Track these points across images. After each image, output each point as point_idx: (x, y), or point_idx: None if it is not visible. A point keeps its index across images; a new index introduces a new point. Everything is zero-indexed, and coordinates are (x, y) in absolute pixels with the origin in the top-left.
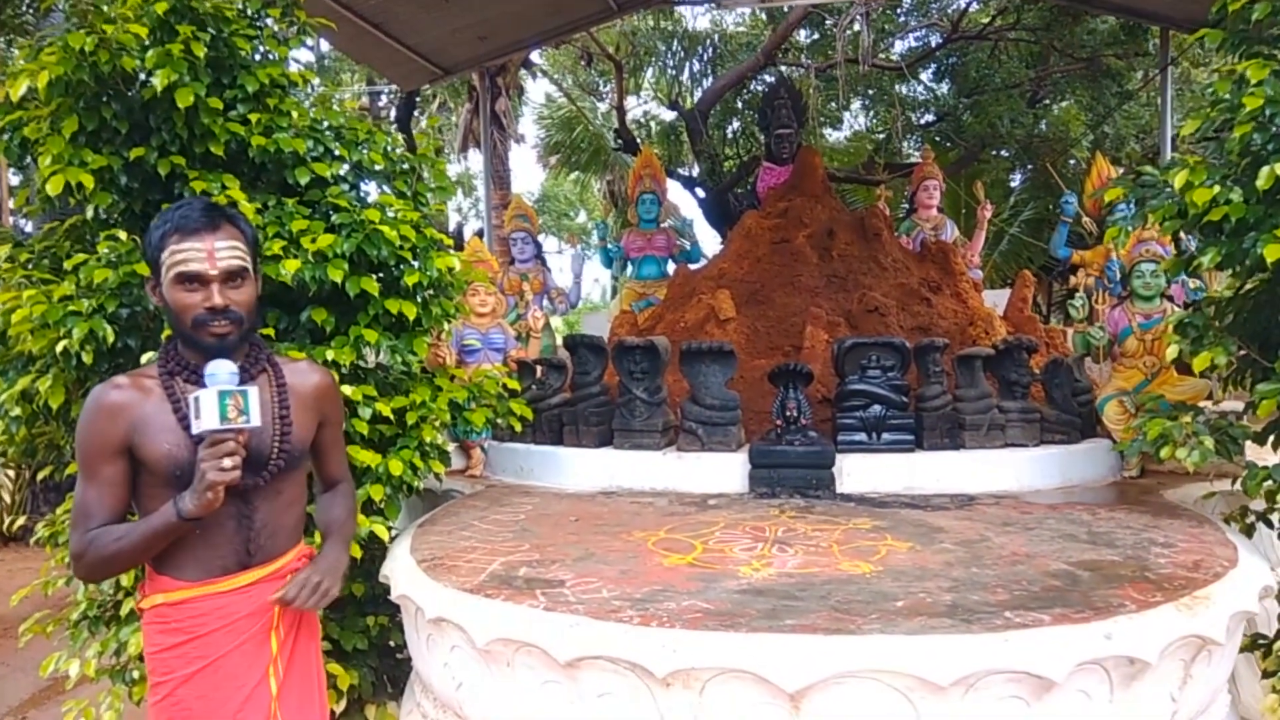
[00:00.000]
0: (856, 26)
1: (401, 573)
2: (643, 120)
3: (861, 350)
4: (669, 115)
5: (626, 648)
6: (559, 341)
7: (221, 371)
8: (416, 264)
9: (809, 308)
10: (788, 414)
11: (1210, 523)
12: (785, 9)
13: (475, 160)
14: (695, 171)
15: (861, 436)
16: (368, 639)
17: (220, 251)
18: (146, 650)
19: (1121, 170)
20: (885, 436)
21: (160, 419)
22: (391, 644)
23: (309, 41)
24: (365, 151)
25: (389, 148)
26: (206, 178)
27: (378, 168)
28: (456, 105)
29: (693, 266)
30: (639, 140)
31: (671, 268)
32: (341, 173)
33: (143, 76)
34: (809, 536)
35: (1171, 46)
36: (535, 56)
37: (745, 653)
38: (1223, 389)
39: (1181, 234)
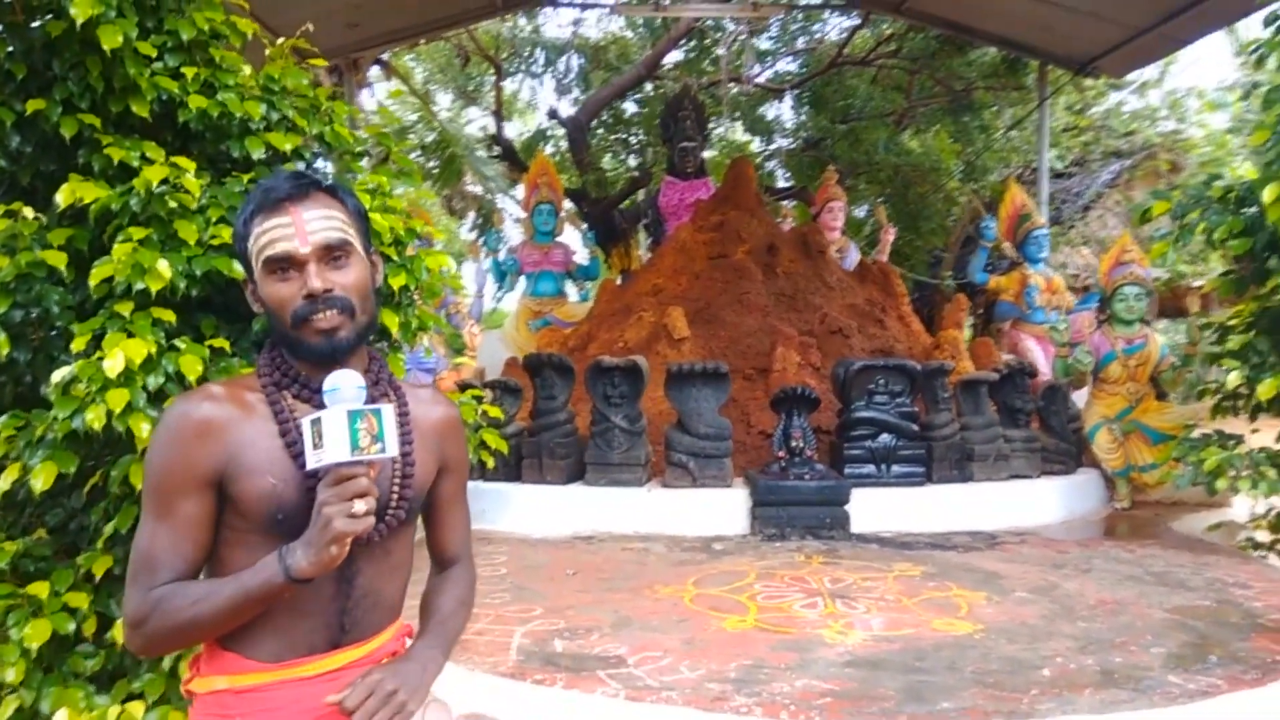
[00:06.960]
0: (721, 51)
1: None
2: (481, 134)
3: (869, 374)
4: (512, 131)
5: None
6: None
7: (348, 385)
8: (401, 262)
9: (765, 327)
10: (792, 444)
11: (1255, 561)
12: (661, 22)
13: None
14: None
15: (871, 469)
16: None
17: (312, 223)
18: None
19: (979, 200)
20: (895, 469)
21: (263, 445)
22: None
23: None
24: (328, 124)
25: (350, 121)
26: (123, 144)
27: (336, 145)
28: None
29: (588, 283)
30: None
31: (569, 285)
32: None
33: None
34: (864, 587)
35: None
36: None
37: None
38: (1210, 415)
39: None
